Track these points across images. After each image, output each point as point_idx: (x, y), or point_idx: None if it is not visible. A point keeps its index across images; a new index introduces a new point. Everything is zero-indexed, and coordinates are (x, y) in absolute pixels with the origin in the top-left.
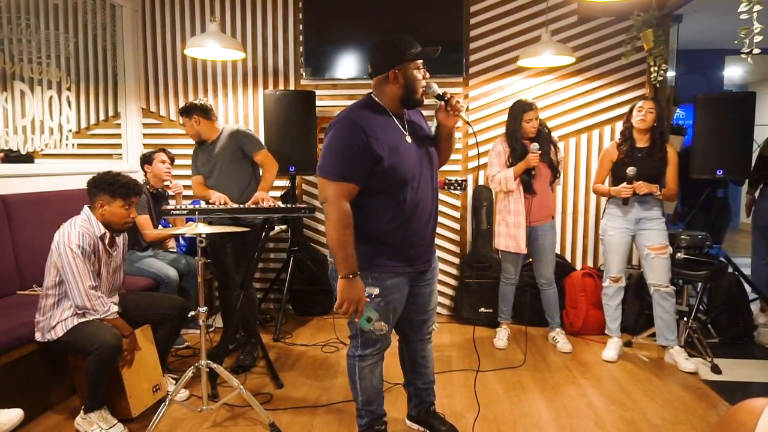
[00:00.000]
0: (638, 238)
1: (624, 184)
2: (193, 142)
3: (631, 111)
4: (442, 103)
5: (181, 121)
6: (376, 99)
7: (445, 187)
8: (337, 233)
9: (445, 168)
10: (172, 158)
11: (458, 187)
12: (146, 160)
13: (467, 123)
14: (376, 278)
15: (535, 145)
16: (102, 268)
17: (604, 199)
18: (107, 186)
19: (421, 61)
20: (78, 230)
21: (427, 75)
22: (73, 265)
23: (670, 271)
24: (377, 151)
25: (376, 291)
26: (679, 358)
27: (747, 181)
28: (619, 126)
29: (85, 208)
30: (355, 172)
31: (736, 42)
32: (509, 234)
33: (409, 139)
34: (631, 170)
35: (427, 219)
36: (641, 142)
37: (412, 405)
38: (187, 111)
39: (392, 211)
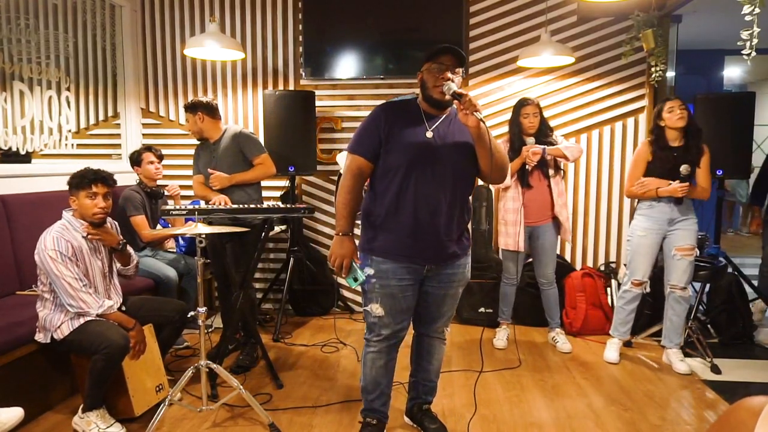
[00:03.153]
0: (668, 239)
1: (678, 182)
2: (192, 142)
3: (657, 116)
4: (457, 101)
5: (184, 117)
6: (418, 100)
7: None
8: (341, 196)
9: None
10: (160, 156)
11: None
12: (135, 161)
13: (479, 122)
14: (373, 260)
15: (531, 139)
16: (93, 268)
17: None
18: (71, 182)
19: (445, 63)
20: (53, 236)
21: (449, 75)
22: (55, 270)
23: (691, 274)
24: (383, 133)
25: (371, 272)
26: (674, 359)
27: (750, 194)
28: (619, 126)
29: (64, 212)
30: (362, 147)
31: (738, 43)
32: (507, 232)
33: (429, 134)
34: (684, 168)
35: (435, 215)
36: (675, 141)
37: (408, 398)
38: (192, 107)
39: (391, 194)
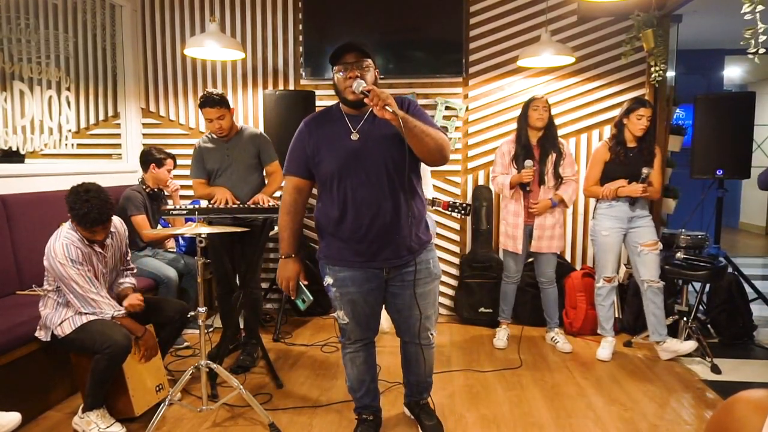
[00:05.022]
0: (629, 236)
1: (635, 184)
2: (192, 142)
3: (625, 113)
4: (366, 98)
5: (207, 116)
6: (340, 105)
7: (449, 210)
8: (280, 218)
9: (444, 168)
10: (175, 165)
11: (462, 212)
12: (156, 161)
13: (394, 115)
14: (331, 269)
15: (528, 162)
16: (100, 270)
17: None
18: (73, 214)
19: (348, 61)
20: (62, 242)
21: (355, 74)
22: (68, 277)
23: (659, 267)
24: (309, 146)
25: (330, 281)
26: (676, 346)
27: None
28: None
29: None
30: (293, 166)
31: (742, 43)
32: (507, 234)
33: (354, 136)
34: (646, 170)
35: (379, 216)
36: (631, 142)
37: (405, 393)
38: (227, 102)
39: (333, 203)
